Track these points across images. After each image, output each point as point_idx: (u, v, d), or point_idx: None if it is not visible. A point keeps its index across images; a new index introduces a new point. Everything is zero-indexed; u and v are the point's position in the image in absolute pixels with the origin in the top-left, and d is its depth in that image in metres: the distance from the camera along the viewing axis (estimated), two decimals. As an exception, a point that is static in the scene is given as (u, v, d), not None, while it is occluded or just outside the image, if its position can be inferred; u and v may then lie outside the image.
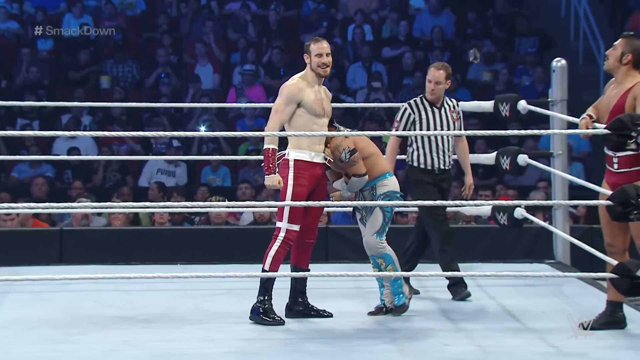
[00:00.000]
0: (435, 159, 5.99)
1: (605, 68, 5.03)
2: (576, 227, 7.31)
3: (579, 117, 5.35)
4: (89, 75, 12.01)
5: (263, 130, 5.28)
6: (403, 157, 6.25)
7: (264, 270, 5.14)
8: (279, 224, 5.18)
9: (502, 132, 5.48)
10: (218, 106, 11.07)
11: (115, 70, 12.02)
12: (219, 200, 8.42)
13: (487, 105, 6.74)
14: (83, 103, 9.67)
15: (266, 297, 5.15)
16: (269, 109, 11.95)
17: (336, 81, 11.80)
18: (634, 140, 4.69)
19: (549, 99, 6.87)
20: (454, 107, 6.03)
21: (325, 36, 12.61)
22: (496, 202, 5.66)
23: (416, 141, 5.98)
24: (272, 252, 5.16)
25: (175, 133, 5.49)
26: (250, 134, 5.40)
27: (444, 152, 5.99)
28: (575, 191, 7.71)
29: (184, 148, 10.85)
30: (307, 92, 5.24)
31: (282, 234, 5.16)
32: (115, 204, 7.52)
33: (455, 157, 6.14)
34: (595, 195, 5.68)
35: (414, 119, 5.96)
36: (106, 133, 5.34)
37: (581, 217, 8.76)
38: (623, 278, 4.60)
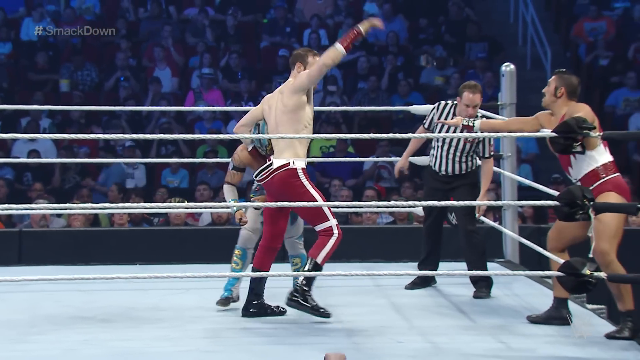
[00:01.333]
0: (444, 163, 6.01)
1: (543, 104, 5.19)
2: (524, 227, 7.37)
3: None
4: (48, 78, 11.89)
5: (220, 133, 5.25)
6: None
7: (315, 262, 5.02)
8: (326, 224, 5.03)
9: (454, 134, 5.51)
10: (177, 109, 11.02)
11: (74, 73, 11.91)
12: (178, 202, 8.38)
13: (439, 108, 6.76)
14: (42, 106, 9.57)
15: (309, 288, 5.07)
16: (226, 113, 11.97)
17: (292, 85, 11.76)
18: (579, 143, 4.75)
19: (499, 103, 6.93)
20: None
21: (282, 41, 12.66)
22: (448, 202, 5.69)
23: (433, 144, 6.05)
24: (328, 247, 5.03)
25: (134, 135, 5.45)
26: (208, 136, 5.36)
27: (453, 158, 5.97)
28: (524, 192, 7.78)
29: (142, 150, 10.78)
30: None
31: (336, 231, 5.05)
32: (74, 204, 7.45)
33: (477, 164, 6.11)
34: (542, 195, 5.75)
35: (432, 118, 6.02)
36: (65, 135, 5.29)
37: (528, 217, 8.84)
38: (569, 276, 4.65)
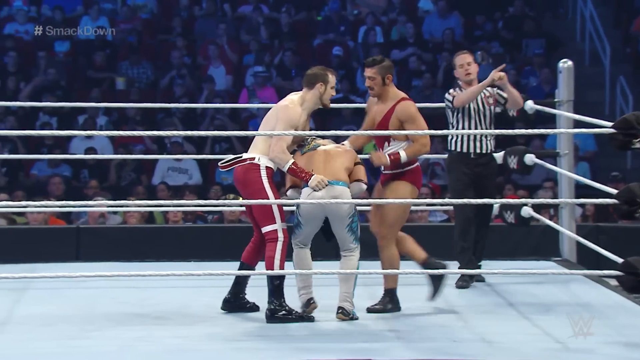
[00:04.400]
0: (472, 142, 6.08)
1: (373, 96, 5.41)
2: (582, 226, 7.27)
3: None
4: (105, 76, 12.03)
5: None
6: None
7: (273, 277, 5.05)
8: (271, 227, 5.08)
9: (510, 131, 5.46)
10: (231, 107, 11.08)
11: (130, 71, 12.04)
12: (233, 198, 8.42)
13: (495, 105, 6.72)
14: (99, 104, 9.68)
15: (283, 299, 5.10)
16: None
17: (346, 82, 11.80)
18: (639, 139, 4.68)
19: (556, 100, 6.85)
20: (490, 93, 6.12)
21: (336, 38, 12.65)
22: (503, 200, 5.63)
23: (454, 125, 6.10)
24: (278, 255, 5.07)
25: (189, 132, 5.49)
26: (262, 133, 5.38)
27: (481, 135, 6.04)
28: (581, 190, 7.68)
29: (197, 147, 10.85)
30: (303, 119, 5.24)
31: (281, 235, 5.09)
32: (130, 202, 7.53)
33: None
34: (601, 194, 5.66)
35: (447, 111, 6.20)
36: (122, 132, 5.36)
37: (590, 215, 8.72)
38: (629, 276, 4.57)
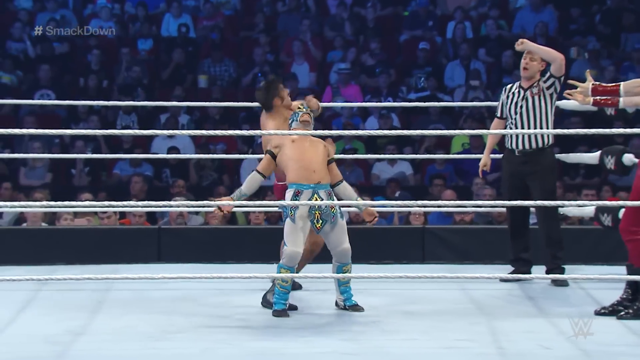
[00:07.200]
0: (514, 139, 6.12)
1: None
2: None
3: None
4: (187, 74, 12.20)
5: (358, 129, 5.27)
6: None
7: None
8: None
9: (607, 130, 5.38)
10: (314, 105, 11.10)
11: (212, 69, 12.19)
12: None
13: (591, 103, 6.61)
14: (181, 102, 9.82)
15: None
16: (365, 108, 11.94)
17: (433, 80, 11.75)
18: None
19: (656, 97, 6.69)
20: (537, 82, 6.15)
21: (424, 34, 12.59)
22: (600, 202, 5.53)
23: (508, 123, 6.18)
24: None
25: (271, 131, 5.53)
26: (346, 132, 5.41)
27: (527, 126, 6.05)
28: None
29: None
30: None
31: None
32: (211, 202, 7.60)
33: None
34: None
35: (502, 104, 6.23)
36: (203, 132, 5.43)
37: None
38: None
